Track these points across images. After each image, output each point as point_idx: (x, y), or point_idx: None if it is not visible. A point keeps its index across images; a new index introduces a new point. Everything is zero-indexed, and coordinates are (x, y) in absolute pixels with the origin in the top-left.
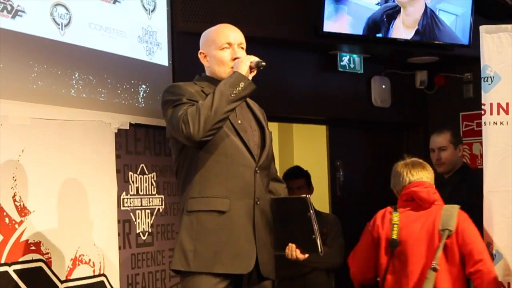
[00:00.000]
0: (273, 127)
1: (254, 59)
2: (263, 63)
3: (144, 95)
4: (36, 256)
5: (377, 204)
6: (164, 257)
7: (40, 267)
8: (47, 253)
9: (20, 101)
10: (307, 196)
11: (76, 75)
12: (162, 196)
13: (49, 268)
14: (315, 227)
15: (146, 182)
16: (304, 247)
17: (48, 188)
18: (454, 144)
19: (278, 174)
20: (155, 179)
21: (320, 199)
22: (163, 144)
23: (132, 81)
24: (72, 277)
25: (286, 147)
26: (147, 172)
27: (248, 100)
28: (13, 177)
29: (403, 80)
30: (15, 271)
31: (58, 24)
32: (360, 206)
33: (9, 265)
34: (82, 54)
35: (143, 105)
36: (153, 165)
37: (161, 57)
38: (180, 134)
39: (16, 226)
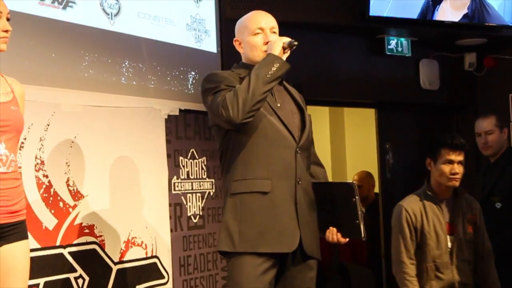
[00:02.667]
0: (324, 111)
1: (286, 39)
2: (295, 42)
3: (193, 81)
4: (90, 238)
5: None
6: (215, 239)
7: (94, 249)
8: (101, 236)
9: (72, 89)
10: (353, 182)
11: (126, 63)
12: (213, 180)
13: (103, 250)
14: (359, 212)
15: (196, 167)
16: (347, 231)
17: (100, 173)
18: (499, 128)
19: (331, 158)
20: (205, 163)
21: None
22: None
23: (181, 68)
24: (125, 259)
25: (338, 130)
26: (197, 157)
27: (287, 85)
28: (67, 163)
29: (452, 62)
30: (70, 253)
31: (108, 14)
32: (409, 188)
33: (64, 247)
34: (131, 43)
35: (192, 91)
36: (203, 149)
37: (210, 44)
38: (221, 119)
39: (70, 210)
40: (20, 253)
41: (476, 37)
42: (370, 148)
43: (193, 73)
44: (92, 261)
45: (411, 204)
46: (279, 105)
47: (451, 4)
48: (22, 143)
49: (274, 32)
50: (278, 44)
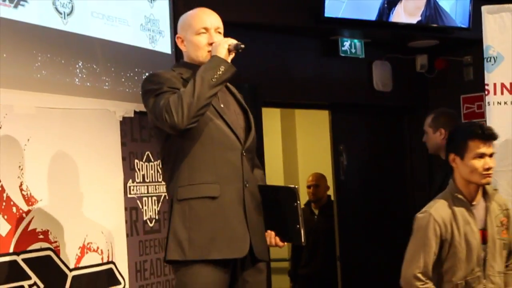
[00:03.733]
0: (275, 113)
1: (232, 41)
2: (242, 45)
3: None
4: (45, 244)
5: (380, 187)
6: None
7: (49, 256)
8: (55, 242)
9: (24, 90)
10: (296, 187)
11: (80, 64)
12: None
13: (58, 256)
14: (300, 217)
15: (152, 169)
16: (288, 235)
17: (54, 176)
18: (433, 128)
19: (282, 160)
20: (161, 166)
21: None
22: None
23: (136, 69)
24: (81, 265)
25: (289, 132)
26: (152, 160)
27: (228, 84)
28: (20, 167)
29: (404, 64)
30: (23, 260)
31: (61, 13)
32: (363, 189)
33: (18, 254)
34: (85, 43)
35: None
36: (159, 152)
37: (164, 45)
38: (164, 124)
39: (24, 215)
40: None
41: (428, 38)
42: (322, 150)
43: (147, 74)
44: (47, 268)
45: (440, 211)
46: (222, 105)
47: (405, 8)
48: None
49: (219, 33)
50: (223, 46)
